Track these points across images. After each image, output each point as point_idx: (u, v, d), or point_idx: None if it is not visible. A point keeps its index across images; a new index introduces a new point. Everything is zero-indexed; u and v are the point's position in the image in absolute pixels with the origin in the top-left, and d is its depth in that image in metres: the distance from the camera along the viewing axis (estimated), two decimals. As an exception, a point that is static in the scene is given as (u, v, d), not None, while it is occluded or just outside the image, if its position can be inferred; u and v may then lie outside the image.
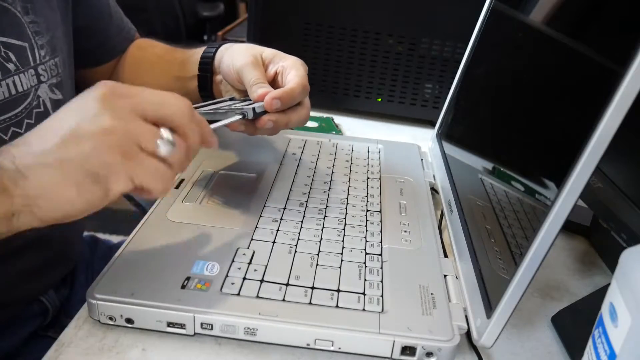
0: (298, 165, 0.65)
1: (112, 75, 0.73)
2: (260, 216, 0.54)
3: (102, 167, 0.36)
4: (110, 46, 0.72)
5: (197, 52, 0.66)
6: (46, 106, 0.56)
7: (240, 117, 0.51)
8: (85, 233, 0.77)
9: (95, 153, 0.35)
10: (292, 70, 0.56)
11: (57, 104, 0.58)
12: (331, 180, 0.63)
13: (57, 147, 0.35)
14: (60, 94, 0.59)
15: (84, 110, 0.36)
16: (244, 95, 0.60)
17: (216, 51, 0.64)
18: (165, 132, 0.38)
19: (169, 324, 0.42)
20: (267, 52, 0.59)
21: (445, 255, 0.52)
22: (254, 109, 0.51)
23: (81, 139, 0.35)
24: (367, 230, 0.53)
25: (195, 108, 0.54)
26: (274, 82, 0.58)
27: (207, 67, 0.64)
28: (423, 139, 0.78)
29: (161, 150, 0.37)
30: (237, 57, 0.59)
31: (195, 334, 0.42)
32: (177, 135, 0.39)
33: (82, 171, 0.35)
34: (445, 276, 0.48)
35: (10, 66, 0.51)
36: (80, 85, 0.67)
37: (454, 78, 0.71)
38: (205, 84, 0.65)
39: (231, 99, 0.61)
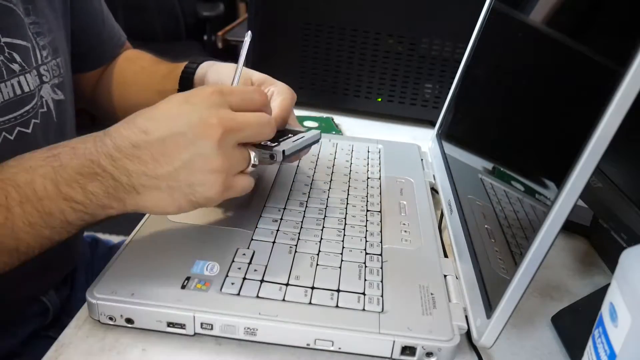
0: (298, 165, 0.65)
1: (98, 83, 0.73)
2: (260, 216, 0.54)
3: (203, 200, 0.42)
4: (101, 51, 0.71)
5: (179, 67, 0.65)
6: (49, 106, 0.56)
7: (268, 157, 0.48)
8: (86, 233, 0.77)
9: (201, 189, 0.41)
10: (278, 97, 0.55)
11: (58, 104, 0.58)
12: (331, 180, 0.63)
13: (170, 176, 0.40)
14: (62, 95, 0.59)
15: (196, 144, 0.40)
16: None
17: (197, 67, 0.63)
18: (254, 157, 0.44)
19: (169, 324, 0.42)
20: (257, 75, 0.58)
21: (445, 255, 0.52)
22: (284, 151, 0.47)
23: (192, 172, 0.40)
24: (367, 230, 0.53)
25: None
26: None
27: (187, 83, 0.63)
28: (423, 139, 0.78)
29: (249, 170, 0.44)
30: (225, 74, 0.58)
31: (195, 334, 0.42)
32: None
33: (187, 199, 0.42)
34: (445, 276, 0.48)
35: (15, 67, 0.51)
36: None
37: (454, 78, 0.71)
38: None
39: None
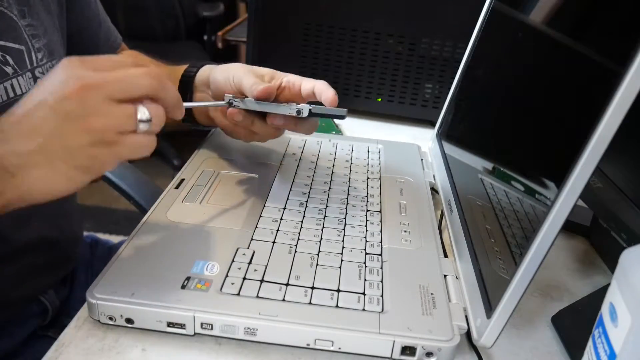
0: (298, 165, 0.65)
1: None
2: (260, 216, 0.54)
3: (89, 160, 0.38)
4: (97, 54, 0.71)
5: (179, 70, 0.64)
6: None
7: (295, 112, 0.52)
8: (85, 233, 0.77)
9: (80, 150, 0.37)
10: (303, 80, 0.57)
11: None
12: (331, 180, 0.63)
13: (42, 146, 0.37)
14: None
15: (60, 107, 0.37)
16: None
17: (197, 70, 0.62)
18: (141, 112, 0.39)
19: (169, 324, 0.42)
20: (263, 69, 0.59)
21: (445, 255, 0.52)
22: (310, 109, 0.51)
23: (65, 137, 0.37)
24: (367, 230, 0.53)
25: (236, 99, 0.54)
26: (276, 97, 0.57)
27: (187, 86, 0.62)
28: (423, 139, 0.78)
29: (140, 128, 0.39)
30: (234, 70, 0.57)
31: (195, 334, 0.42)
32: (153, 103, 0.40)
33: (71, 166, 0.37)
34: (445, 276, 0.48)
35: (8, 69, 0.51)
36: None
37: (454, 78, 0.71)
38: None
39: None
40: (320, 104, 0.54)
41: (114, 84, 0.37)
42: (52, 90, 0.37)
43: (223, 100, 0.55)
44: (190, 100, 0.63)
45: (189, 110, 0.63)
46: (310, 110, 0.51)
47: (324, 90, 0.55)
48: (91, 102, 0.37)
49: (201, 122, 0.64)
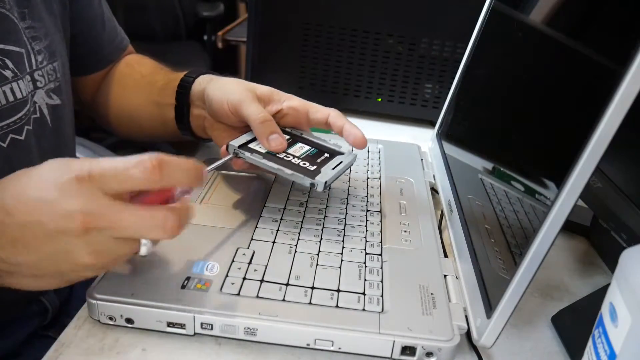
0: (298, 165, 0.65)
1: (99, 87, 0.72)
2: (260, 216, 0.54)
3: (78, 278, 0.39)
4: (101, 55, 0.70)
5: (176, 79, 0.63)
6: (42, 112, 0.56)
7: (308, 185, 0.50)
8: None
9: (72, 274, 0.38)
10: (293, 99, 0.56)
11: (54, 109, 0.57)
12: (331, 180, 0.63)
13: (32, 265, 0.37)
14: (58, 99, 0.58)
15: (60, 239, 0.35)
16: (231, 132, 0.57)
17: (193, 81, 0.61)
18: (144, 249, 0.38)
19: (169, 324, 0.42)
20: (262, 89, 0.56)
21: (445, 255, 0.52)
22: (326, 182, 0.49)
23: (58, 264, 0.37)
24: (367, 230, 0.53)
25: (243, 153, 0.51)
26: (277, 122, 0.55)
27: (184, 99, 0.61)
28: (423, 139, 0.78)
29: (140, 255, 0.38)
30: (230, 90, 0.55)
31: (195, 334, 0.42)
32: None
33: (61, 281, 0.39)
34: (445, 276, 0.48)
35: (7, 73, 0.51)
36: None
37: (454, 78, 0.71)
38: (182, 117, 0.62)
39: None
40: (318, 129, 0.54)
41: (121, 231, 0.36)
42: (53, 218, 0.35)
43: (226, 148, 0.52)
44: (187, 111, 0.62)
45: (189, 127, 0.63)
46: (325, 184, 0.49)
47: (348, 132, 0.55)
48: (93, 243, 0.36)
49: (201, 136, 0.64)
